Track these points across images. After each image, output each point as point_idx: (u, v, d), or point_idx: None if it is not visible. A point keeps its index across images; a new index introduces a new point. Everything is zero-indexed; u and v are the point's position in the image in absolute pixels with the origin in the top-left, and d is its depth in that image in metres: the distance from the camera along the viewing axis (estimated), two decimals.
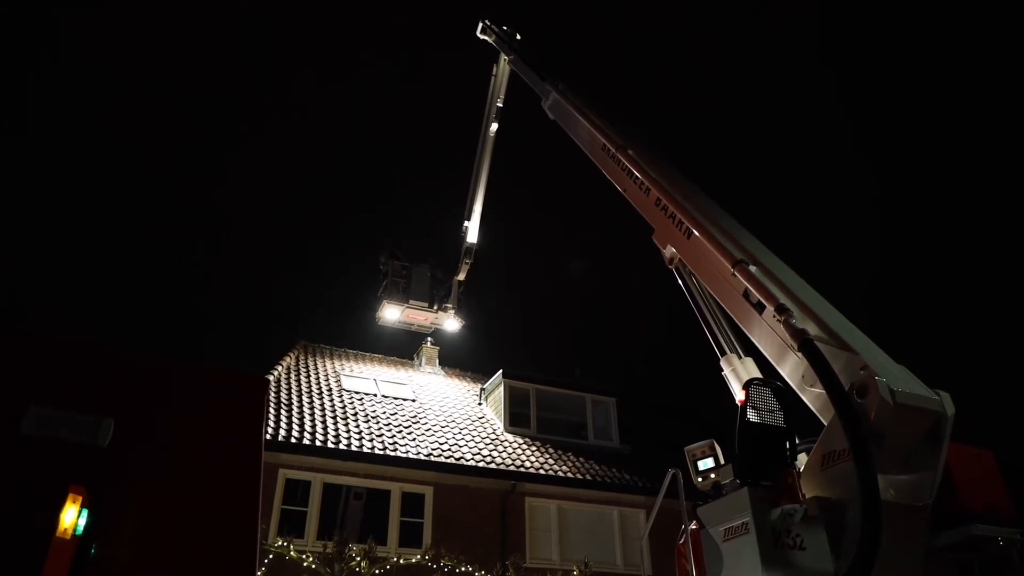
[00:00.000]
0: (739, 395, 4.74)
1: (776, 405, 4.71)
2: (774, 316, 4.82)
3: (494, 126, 13.78)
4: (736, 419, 4.68)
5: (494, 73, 13.65)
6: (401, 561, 12.50)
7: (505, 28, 13.21)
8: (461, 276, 14.24)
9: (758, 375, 6.14)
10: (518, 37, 13.03)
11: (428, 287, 14.04)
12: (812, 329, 4.69)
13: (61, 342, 4.28)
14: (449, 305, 14.12)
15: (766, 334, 5.04)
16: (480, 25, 13.69)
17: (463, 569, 12.78)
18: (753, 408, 4.66)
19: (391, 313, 13.97)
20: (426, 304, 13.97)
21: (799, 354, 4.59)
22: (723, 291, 5.74)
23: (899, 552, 4.33)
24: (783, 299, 4.94)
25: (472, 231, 14.20)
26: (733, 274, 5.40)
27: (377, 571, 11.99)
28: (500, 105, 13.61)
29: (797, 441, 5.32)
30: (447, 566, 12.64)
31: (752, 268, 5.31)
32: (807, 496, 4.55)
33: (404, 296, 13.84)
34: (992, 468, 5.20)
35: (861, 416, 4.19)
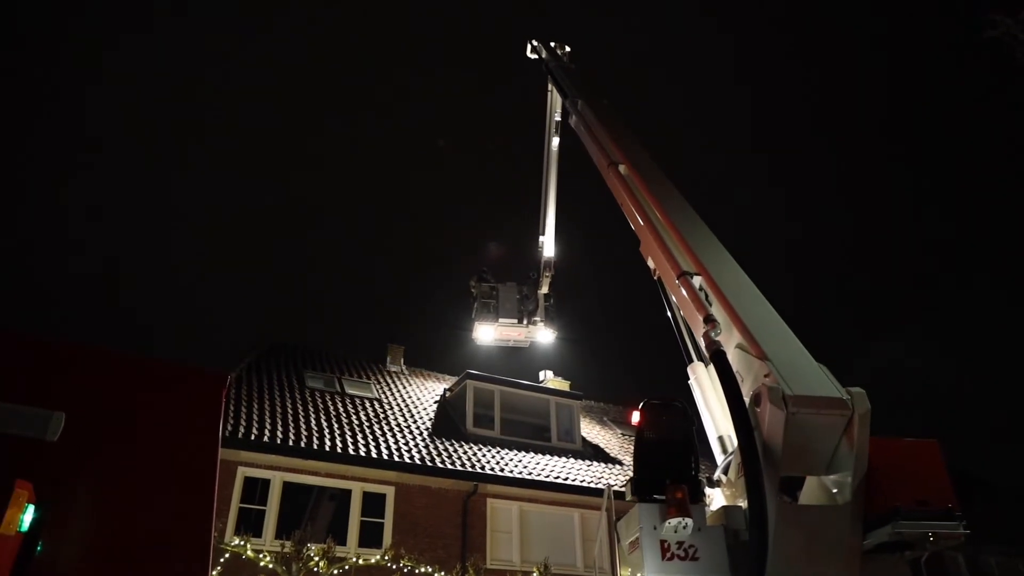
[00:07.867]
0: (635, 417, 4.93)
1: (674, 424, 4.89)
2: (702, 327, 4.99)
3: (555, 140, 14.02)
4: (634, 439, 4.88)
5: (549, 88, 13.82)
6: (360, 561, 12.44)
7: (553, 44, 13.48)
8: (544, 289, 14.60)
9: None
10: (567, 49, 13.40)
11: (516, 304, 14.34)
12: (736, 339, 4.85)
13: (10, 333, 4.18)
14: (538, 319, 14.35)
15: None
16: (529, 46, 13.89)
17: (423, 570, 12.76)
18: (648, 427, 4.87)
19: (485, 333, 14.31)
20: (515, 320, 14.27)
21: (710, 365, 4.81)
22: (681, 301, 5.88)
23: (829, 553, 4.42)
24: (713, 311, 5.10)
25: (548, 245, 14.47)
26: (678, 285, 5.57)
27: (336, 571, 11.90)
28: (558, 119, 13.77)
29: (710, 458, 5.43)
30: (407, 567, 12.60)
31: (694, 279, 5.44)
32: (727, 504, 4.72)
33: (494, 315, 14.17)
34: (933, 460, 4.87)
35: (754, 425, 4.35)
